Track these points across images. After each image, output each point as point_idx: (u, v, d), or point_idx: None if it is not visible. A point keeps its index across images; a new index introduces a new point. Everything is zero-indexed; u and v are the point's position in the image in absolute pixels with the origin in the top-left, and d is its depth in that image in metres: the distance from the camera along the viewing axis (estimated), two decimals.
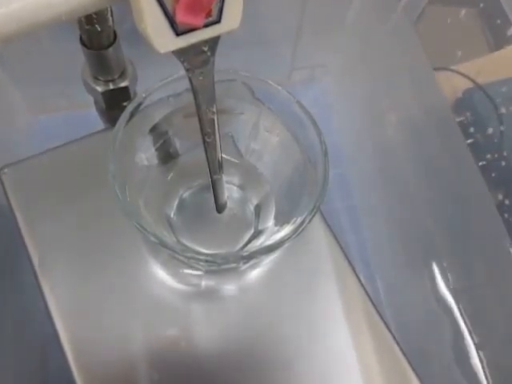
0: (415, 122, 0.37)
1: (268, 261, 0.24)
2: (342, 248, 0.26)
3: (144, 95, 0.20)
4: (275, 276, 0.25)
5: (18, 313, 0.30)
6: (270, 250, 0.18)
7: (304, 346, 0.23)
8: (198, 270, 0.24)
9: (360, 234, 0.37)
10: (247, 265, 0.23)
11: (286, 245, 0.19)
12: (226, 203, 0.23)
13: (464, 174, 0.36)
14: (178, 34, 0.15)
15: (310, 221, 0.19)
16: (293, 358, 0.23)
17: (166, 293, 0.24)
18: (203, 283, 0.24)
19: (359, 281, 0.24)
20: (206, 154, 0.20)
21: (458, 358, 0.32)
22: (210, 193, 0.22)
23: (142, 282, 0.24)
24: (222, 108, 0.23)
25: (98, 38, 0.24)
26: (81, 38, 0.25)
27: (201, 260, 0.19)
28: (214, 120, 0.19)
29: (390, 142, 0.38)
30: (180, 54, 0.16)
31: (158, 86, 0.20)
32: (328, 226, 0.26)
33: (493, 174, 0.34)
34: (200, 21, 0.15)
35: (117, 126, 0.19)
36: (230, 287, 0.24)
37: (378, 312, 0.24)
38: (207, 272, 0.24)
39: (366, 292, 0.24)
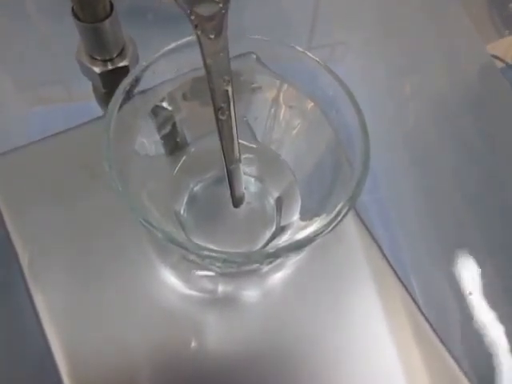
0: (447, 101, 0.33)
1: (294, 261, 0.21)
2: (375, 239, 0.22)
3: (143, 66, 0.17)
4: (301, 277, 0.21)
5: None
6: (299, 246, 0.15)
7: (343, 350, 0.20)
8: (212, 272, 0.20)
9: (389, 229, 0.33)
10: (270, 266, 0.20)
11: (318, 241, 0.16)
12: (243, 196, 0.19)
13: (505, 159, 0.32)
14: None
15: (347, 212, 0.16)
16: (329, 368, 0.20)
17: (175, 300, 0.21)
18: (219, 289, 0.21)
19: (397, 276, 0.21)
20: (220, 136, 0.17)
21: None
22: (225, 185, 0.19)
23: (145, 286, 0.20)
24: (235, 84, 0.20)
25: (92, 8, 0.21)
26: (73, 10, 0.22)
27: (218, 259, 0.15)
28: (227, 91, 0.16)
29: (420, 124, 0.35)
30: (186, 2, 0.13)
31: (161, 53, 0.17)
32: (359, 216, 0.23)
33: None
34: None
35: (110, 105, 0.16)
36: (250, 293, 0.20)
37: (419, 309, 0.20)
38: (222, 275, 0.21)
39: (406, 289, 0.20)
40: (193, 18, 0.13)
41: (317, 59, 0.18)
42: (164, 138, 0.21)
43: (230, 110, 0.16)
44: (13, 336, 0.26)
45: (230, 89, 0.15)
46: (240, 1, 0.33)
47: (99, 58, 0.23)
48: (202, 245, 0.19)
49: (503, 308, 0.31)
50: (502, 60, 0.42)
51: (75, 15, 0.21)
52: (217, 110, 0.16)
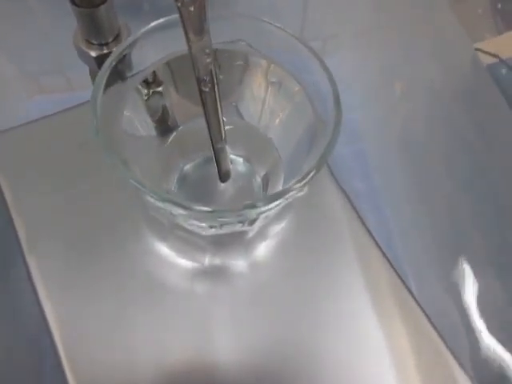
0: (440, 94, 0.34)
1: (278, 230, 0.22)
2: (358, 213, 0.23)
3: (130, 41, 0.18)
4: (287, 250, 0.22)
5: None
6: (273, 198, 0.16)
7: (327, 319, 0.21)
8: (201, 241, 0.21)
9: (382, 216, 0.34)
10: (254, 226, 0.20)
11: (294, 195, 0.16)
12: (229, 171, 0.20)
13: (498, 151, 0.33)
14: None
15: (317, 171, 0.16)
16: (315, 336, 0.20)
17: (167, 272, 0.22)
18: (207, 260, 0.22)
19: (381, 249, 0.21)
20: (204, 109, 0.18)
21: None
22: (214, 164, 0.20)
23: (138, 259, 0.21)
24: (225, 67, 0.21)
25: None
26: None
27: (202, 212, 0.16)
28: (209, 64, 0.17)
29: (413, 117, 0.35)
30: None
31: (148, 29, 0.18)
32: (343, 191, 0.24)
33: None
34: None
35: (97, 77, 0.17)
36: (237, 263, 0.21)
37: (403, 282, 0.21)
38: (211, 244, 0.22)
39: (389, 261, 0.21)
40: None
41: (295, 36, 0.19)
42: (153, 118, 0.22)
43: (212, 83, 0.17)
44: (11, 312, 0.27)
45: (211, 60, 0.16)
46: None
47: (95, 42, 0.24)
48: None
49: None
50: (493, 55, 0.43)
51: (72, 1, 0.23)
52: (200, 83, 0.17)
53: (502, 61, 0.41)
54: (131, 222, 0.22)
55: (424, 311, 0.22)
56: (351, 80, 0.38)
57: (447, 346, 0.21)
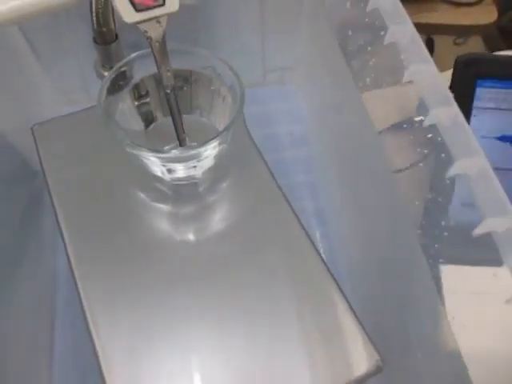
0: None
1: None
2: (280, 188, 0.34)
3: (124, 61, 0.30)
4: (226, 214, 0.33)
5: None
6: (202, 145, 0.27)
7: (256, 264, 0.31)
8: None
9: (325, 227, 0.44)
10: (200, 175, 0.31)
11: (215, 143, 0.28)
12: (185, 139, 0.31)
13: None
14: (137, 10, 0.25)
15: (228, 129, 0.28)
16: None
17: (151, 211, 0.33)
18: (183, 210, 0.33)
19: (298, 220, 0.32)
20: (168, 104, 0.30)
21: None
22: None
23: (136, 208, 0.33)
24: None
25: (104, 36, 0.35)
26: (93, 38, 0.35)
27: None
28: (170, 76, 0.28)
29: (350, 130, 0.46)
30: (142, 26, 0.26)
31: (133, 56, 0.30)
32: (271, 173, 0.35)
33: None
34: (149, 3, 0.25)
35: (103, 82, 0.29)
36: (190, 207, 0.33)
37: (311, 242, 0.31)
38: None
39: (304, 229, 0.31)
40: (146, 34, 0.26)
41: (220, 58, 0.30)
42: (139, 112, 0.34)
43: (173, 88, 0.29)
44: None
45: (170, 74, 0.28)
46: (207, 39, 0.47)
47: (107, 66, 0.36)
48: None
49: None
50: None
51: (94, 40, 0.35)
52: (165, 88, 0.29)
53: None
54: (134, 190, 0.33)
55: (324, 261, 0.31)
56: (302, 98, 0.49)
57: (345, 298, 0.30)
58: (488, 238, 0.22)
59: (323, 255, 0.37)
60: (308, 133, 0.48)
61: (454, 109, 0.24)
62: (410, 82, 0.25)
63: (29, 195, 0.41)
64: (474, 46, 0.73)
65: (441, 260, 0.26)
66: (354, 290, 0.38)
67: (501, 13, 0.75)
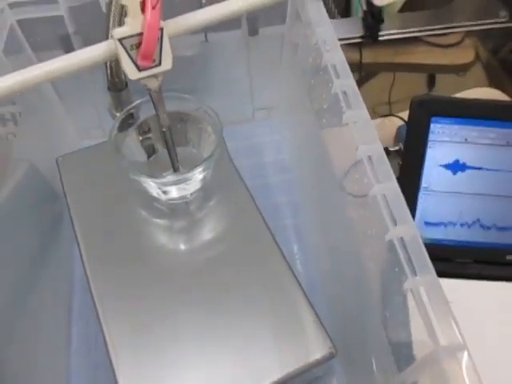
0: None
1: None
2: (257, 206, 0.41)
3: (132, 106, 0.38)
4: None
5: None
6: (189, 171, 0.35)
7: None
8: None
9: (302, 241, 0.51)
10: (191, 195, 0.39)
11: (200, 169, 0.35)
12: (178, 167, 0.39)
13: None
14: (139, 70, 0.33)
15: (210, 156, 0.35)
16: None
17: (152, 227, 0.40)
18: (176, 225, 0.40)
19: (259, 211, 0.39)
20: (165, 139, 0.37)
21: None
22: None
23: (139, 221, 0.40)
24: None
25: (116, 85, 0.43)
26: (108, 87, 0.44)
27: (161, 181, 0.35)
28: (166, 117, 0.36)
29: None
30: (143, 81, 0.34)
31: (139, 102, 0.38)
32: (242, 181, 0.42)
33: None
34: (149, 64, 0.33)
35: (114, 121, 0.37)
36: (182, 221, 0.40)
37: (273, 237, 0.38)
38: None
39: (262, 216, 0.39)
40: (147, 87, 0.34)
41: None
42: (143, 145, 0.42)
43: (169, 128, 0.37)
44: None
45: (166, 117, 0.36)
46: (204, 84, 0.55)
47: (119, 109, 0.45)
48: None
49: None
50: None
51: (108, 88, 0.43)
52: (161, 127, 0.36)
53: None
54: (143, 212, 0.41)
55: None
56: (283, 131, 0.57)
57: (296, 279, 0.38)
58: None
59: (299, 265, 0.45)
60: (290, 160, 0.55)
61: (377, 145, 0.31)
62: (347, 124, 0.32)
63: (52, 213, 0.48)
64: (476, 77, 0.78)
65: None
66: (324, 293, 0.45)
67: (500, 45, 0.82)
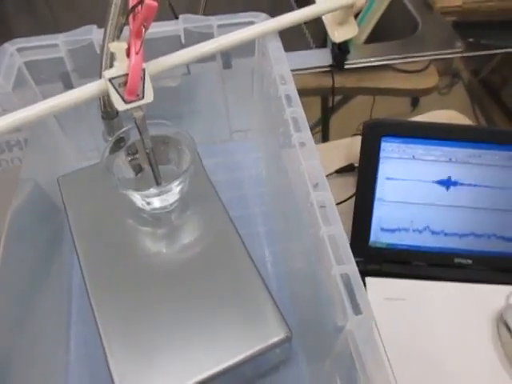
0: None
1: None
2: (229, 215, 0.48)
3: (120, 131, 0.45)
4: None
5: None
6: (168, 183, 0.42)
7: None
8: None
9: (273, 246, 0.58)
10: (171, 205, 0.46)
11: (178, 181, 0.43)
12: (161, 182, 0.46)
13: None
14: (126, 103, 0.40)
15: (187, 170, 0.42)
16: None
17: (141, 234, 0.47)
18: (159, 231, 0.47)
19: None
20: (148, 159, 0.45)
21: None
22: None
23: (128, 229, 0.47)
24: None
25: (109, 114, 0.50)
26: (102, 115, 0.51)
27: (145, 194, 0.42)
28: (149, 141, 0.43)
29: None
30: (129, 111, 0.41)
31: (127, 128, 0.45)
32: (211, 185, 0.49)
33: None
34: (134, 97, 0.40)
35: (106, 146, 0.44)
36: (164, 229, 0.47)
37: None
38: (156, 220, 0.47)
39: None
40: (132, 116, 0.41)
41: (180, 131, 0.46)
42: (131, 165, 0.49)
43: (151, 149, 0.44)
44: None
45: (149, 140, 0.43)
46: (187, 111, 0.63)
47: (112, 134, 0.52)
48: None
49: None
50: None
51: (102, 116, 0.51)
52: (145, 149, 0.44)
53: None
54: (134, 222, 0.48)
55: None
56: (256, 164, 0.64)
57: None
58: None
59: (270, 266, 0.52)
60: (264, 176, 0.63)
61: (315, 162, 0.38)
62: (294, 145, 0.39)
63: (53, 226, 0.55)
64: (458, 97, 0.86)
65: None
66: (290, 289, 0.52)
67: (481, 64, 0.90)
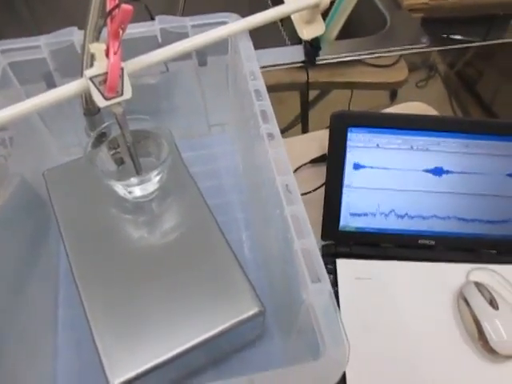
0: None
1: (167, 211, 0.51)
2: (205, 202, 0.52)
3: (102, 126, 0.49)
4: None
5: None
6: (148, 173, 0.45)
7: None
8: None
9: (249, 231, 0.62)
10: (151, 194, 0.50)
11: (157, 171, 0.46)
12: (141, 170, 0.49)
13: None
14: (106, 99, 0.43)
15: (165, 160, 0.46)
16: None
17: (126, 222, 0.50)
18: (141, 219, 0.51)
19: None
20: (129, 152, 0.48)
21: None
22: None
23: (112, 216, 0.50)
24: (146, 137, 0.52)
25: (91, 111, 0.53)
26: (84, 112, 0.54)
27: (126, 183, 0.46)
28: (129, 135, 0.47)
29: None
30: (110, 107, 0.44)
31: (108, 123, 0.49)
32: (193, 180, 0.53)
33: None
34: (113, 94, 0.43)
35: (89, 139, 0.48)
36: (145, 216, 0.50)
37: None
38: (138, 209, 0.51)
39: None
40: (113, 112, 0.45)
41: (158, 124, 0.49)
42: (113, 158, 0.52)
43: (131, 142, 0.47)
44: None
45: (129, 133, 0.47)
46: (167, 106, 0.66)
47: (93, 129, 0.55)
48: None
49: None
50: None
51: (84, 113, 0.54)
52: (126, 142, 0.47)
53: None
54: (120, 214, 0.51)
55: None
56: (233, 144, 0.68)
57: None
58: None
59: (247, 250, 0.55)
60: (240, 166, 0.66)
61: (280, 150, 0.42)
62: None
63: (40, 217, 0.58)
64: (435, 89, 0.90)
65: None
66: (265, 271, 0.56)
67: (457, 58, 0.94)
